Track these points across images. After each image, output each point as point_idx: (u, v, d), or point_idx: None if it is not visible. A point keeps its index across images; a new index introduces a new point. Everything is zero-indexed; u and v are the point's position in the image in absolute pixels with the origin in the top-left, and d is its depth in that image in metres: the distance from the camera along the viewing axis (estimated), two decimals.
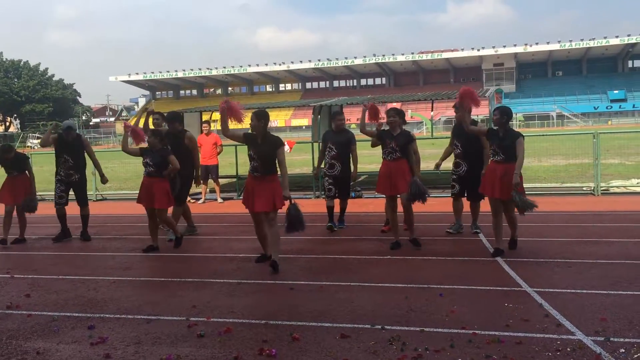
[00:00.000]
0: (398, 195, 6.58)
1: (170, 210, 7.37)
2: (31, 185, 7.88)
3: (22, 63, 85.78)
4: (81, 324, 4.37)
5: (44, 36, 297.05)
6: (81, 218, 7.96)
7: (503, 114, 6.09)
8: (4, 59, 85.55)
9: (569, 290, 4.76)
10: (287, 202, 5.80)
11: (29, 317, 4.57)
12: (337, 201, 8.05)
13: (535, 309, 4.31)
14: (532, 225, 7.56)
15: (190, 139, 7.78)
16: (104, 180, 8.10)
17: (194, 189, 9.14)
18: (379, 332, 3.95)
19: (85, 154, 7.94)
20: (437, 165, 7.58)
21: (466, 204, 7.32)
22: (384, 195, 6.78)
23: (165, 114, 8.14)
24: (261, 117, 5.77)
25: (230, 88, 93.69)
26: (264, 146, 5.75)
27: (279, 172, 5.85)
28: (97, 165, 8.14)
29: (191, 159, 7.72)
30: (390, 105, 7.66)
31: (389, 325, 4.05)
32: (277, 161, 5.81)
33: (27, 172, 7.89)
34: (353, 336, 3.88)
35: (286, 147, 12.06)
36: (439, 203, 9.09)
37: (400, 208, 6.56)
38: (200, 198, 11.89)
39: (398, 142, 6.42)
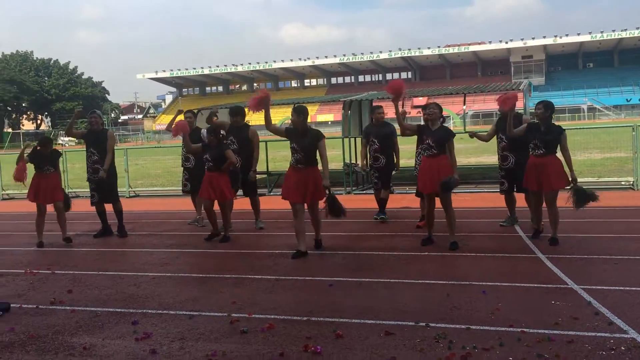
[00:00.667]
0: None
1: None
2: (61, 183, 7.99)
3: (52, 62, 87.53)
4: (124, 319, 4.41)
5: (72, 35, 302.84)
6: (115, 214, 8.03)
7: (547, 109, 6.10)
8: (35, 58, 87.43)
9: (617, 288, 4.62)
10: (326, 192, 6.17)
11: (73, 313, 4.63)
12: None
13: (584, 307, 4.19)
14: (573, 220, 7.38)
15: (254, 133, 7.92)
16: (101, 174, 7.61)
17: None
18: (423, 330, 3.88)
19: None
20: (471, 134, 7.25)
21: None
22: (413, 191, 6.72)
23: (230, 108, 8.24)
24: (300, 113, 6.17)
25: (255, 84, 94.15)
26: (306, 139, 6.10)
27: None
28: (108, 158, 7.66)
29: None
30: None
31: (434, 323, 3.98)
32: (318, 152, 6.16)
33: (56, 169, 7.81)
34: (398, 333, 3.83)
35: None
36: (473, 199, 8.97)
37: (438, 204, 6.44)
38: None
39: (435, 138, 6.22)
